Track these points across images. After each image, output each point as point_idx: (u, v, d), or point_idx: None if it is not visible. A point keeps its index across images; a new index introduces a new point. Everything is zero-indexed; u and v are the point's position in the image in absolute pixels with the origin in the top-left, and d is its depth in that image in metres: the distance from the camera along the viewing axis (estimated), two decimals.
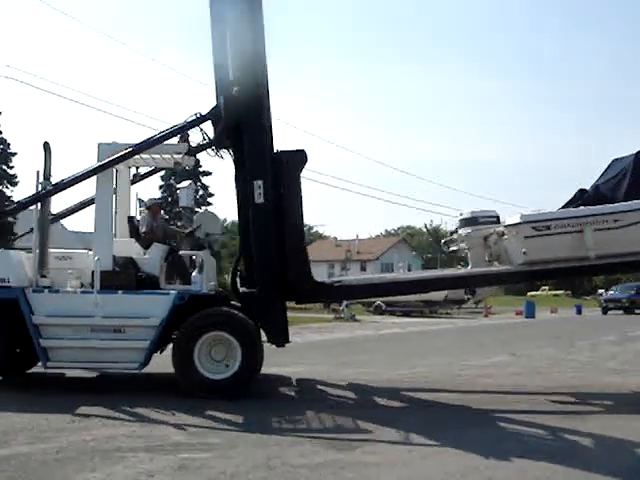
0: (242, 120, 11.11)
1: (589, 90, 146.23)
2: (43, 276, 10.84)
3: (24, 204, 11.12)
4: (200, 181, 64.50)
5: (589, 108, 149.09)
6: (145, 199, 12.57)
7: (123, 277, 10.90)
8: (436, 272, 13.55)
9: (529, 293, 68.45)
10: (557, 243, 11.22)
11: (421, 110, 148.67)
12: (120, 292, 10.66)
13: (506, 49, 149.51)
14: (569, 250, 11.22)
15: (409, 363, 15.18)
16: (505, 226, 11.92)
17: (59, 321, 10.56)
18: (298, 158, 11.44)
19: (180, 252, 11.87)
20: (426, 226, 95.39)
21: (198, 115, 11.20)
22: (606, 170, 12.61)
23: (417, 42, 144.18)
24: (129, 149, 11.10)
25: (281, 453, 7.54)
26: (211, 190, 67.51)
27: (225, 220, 63.72)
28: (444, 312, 45.93)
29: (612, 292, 48.86)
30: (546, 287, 79.53)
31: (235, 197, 12.18)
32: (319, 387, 12.21)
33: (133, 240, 11.93)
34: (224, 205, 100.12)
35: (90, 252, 11.72)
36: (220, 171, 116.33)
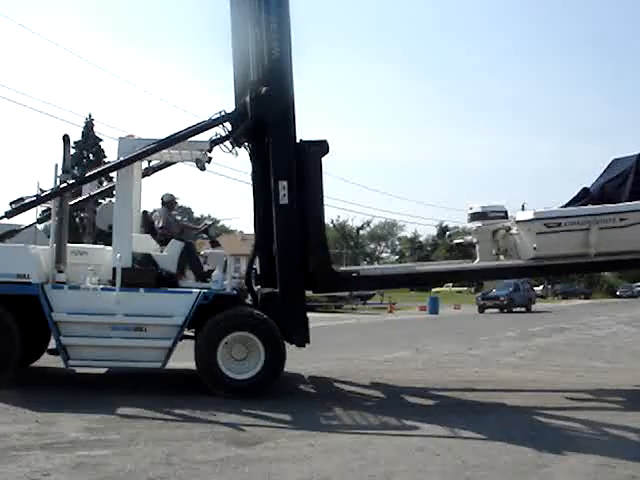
0: (269, 121, 11.05)
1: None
2: (60, 271, 10.65)
3: (44, 197, 10.88)
4: None
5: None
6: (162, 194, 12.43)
7: (144, 274, 10.77)
8: (451, 264, 13.71)
9: (433, 289, 68.83)
10: (565, 240, 11.51)
11: (341, 105, 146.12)
12: (142, 290, 10.55)
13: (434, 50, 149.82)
14: (576, 247, 11.54)
15: (313, 358, 14.87)
16: (516, 221, 12.15)
17: (79, 319, 10.38)
18: (320, 148, 11.43)
19: (204, 251, 11.76)
20: (332, 222, 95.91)
21: (223, 113, 11.10)
22: (606, 170, 12.91)
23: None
24: (153, 145, 10.96)
25: (181, 449, 7.49)
26: None
27: None
28: (349, 307, 46.36)
29: (494, 290, 47.52)
30: (450, 284, 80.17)
31: (252, 195, 12.18)
32: None
33: (147, 236, 11.78)
34: None
35: (107, 247, 11.59)
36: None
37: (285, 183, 10.93)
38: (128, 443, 7.67)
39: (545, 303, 62.26)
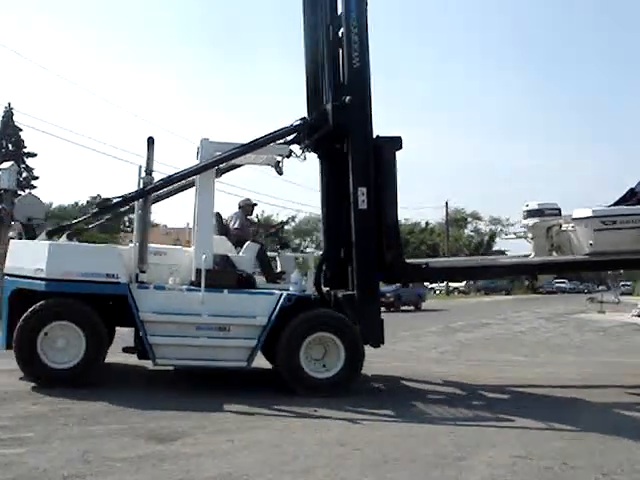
0: (351, 129, 11.36)
1: None
2: (142, 271, 10.85)
3: (128, 199, 11.08)
4: (24, 162, 63.44)
5: None
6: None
7: (226, 276, 11.01)
8: (511, 259, 14.20)
9: None
10: (621, 237, 12.06)
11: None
12: (225, 291, 10.79)
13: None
14: (631, 244, 12.06)
15: None
16: (573, 219, 12.65)
17: (166, 318, 10.56)
18: (395, 144, 11.75)
19: (287, 254, 12.02)
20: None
21: (305, 120, 11.42)
22: None
23: None
24: (236, 149, 11.22)
25: (99, 446, 7.33)
26: (36, 172, 66.46)
27: (50, 204, 62.02)
28: None
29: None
30: None
31: (321, 198, 12.51)
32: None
33: (222, 237, 11.99)
34: (49, 188, 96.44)
35: (184, 248, 11.80)
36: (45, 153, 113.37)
37: (364, 189, 11.22)
38: (43, 441, 7.48)
39: (455, 300, 61.84)
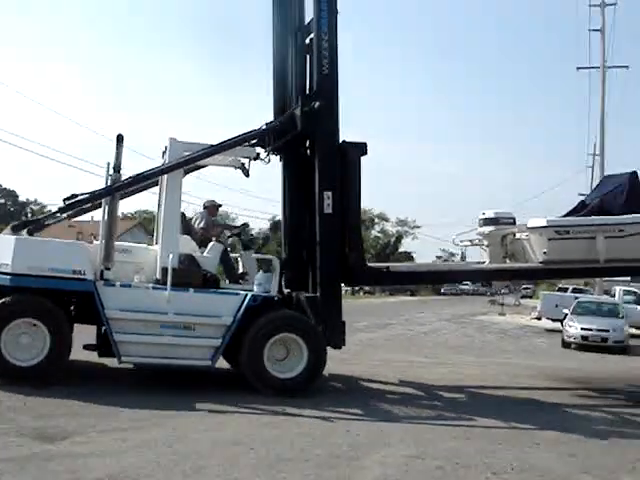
0: (319, 134, 11.62)
1: None
2: (108, 269, 10.85)
3: (96, 196, 11.06)
4: None
5: None
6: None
7: (191, 275, 11.08)
8: (470, 265, 14.57)
9: None
10: (573, 246, 12.52)
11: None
12: (191, 290, 10.88)
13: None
14: (583, 254, 12.53)
15: None
16: (528, 228, 13.08)
17: (131, 316, 10.59)
18: (360, 149, 12.01)
19: (250, 255, 12.12)
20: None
21: (273, 124, 11.62)
22: (599, 185, 14.12)
23: None
24: (205, 150, 11.33)
25: None
26: None
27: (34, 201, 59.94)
28: None
29: None
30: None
31: (282, 201, 12.71)
32: None
33: (187, 237, 12.04)
34: None
35: (149, 247, 11.84)
36: None
37: (330, 193, 11.48)
38: None
39: (360, 300, 59.88)
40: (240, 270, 12.29)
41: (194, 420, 9.01)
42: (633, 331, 26.71)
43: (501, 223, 13.56)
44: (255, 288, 11.27)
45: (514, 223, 13.63)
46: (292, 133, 11.73)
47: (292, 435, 8.49)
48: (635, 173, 13.33)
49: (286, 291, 11.89)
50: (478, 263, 14.06)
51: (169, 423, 8.68)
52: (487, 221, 13.68)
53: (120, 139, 10.99)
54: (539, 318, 33.87)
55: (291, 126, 11.71)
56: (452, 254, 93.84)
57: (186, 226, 12.23)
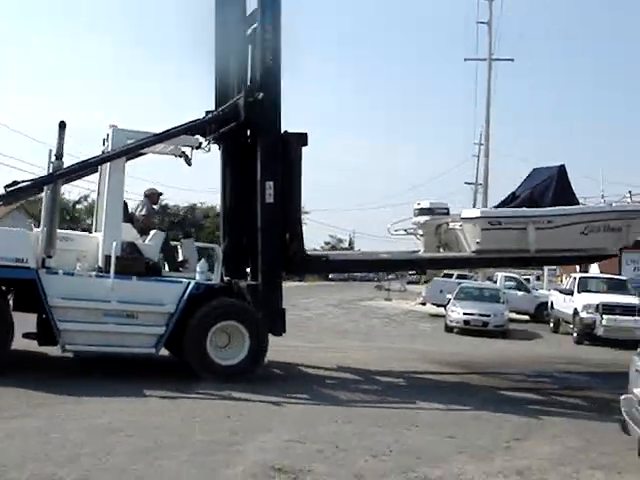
0: (262, 125, 11.77)
1: None
2: (49, 256, 10.81)
3: (38, 183, 10.99)
4: None
5: None
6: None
7: (134, 263, 11.14)
8: (406, 253, 14.90)
9: None
10: (505, 237, 13.06)
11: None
12: (134, 278, 10.95)
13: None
14: (514, 243, 13.08)
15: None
16: (462, 218, 13.55)
17: (74, 304, 10.62)
18: (301, 140, 12.21)
19: (196, 244, 12.22)
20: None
21: (220, 113, 11.73)
22: (528, 177, 14.68)
23: None
24: (148, 139, 11.37)
25: None
26: None
27: None
28: None
29: None
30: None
31: (221, 190, 12.87)
32: None
33: (128, 225, 12.05)
34: None
35: (90, 234, 11.83)
36: None
37: (271, 183, 11.66)
38: None
39: None
40: (180, 258, 12.41)
41: (74, 408, 8.84)
42: (513, 315, 27.64)
43: (436, 213, 13.99)
44: (197, 276, 11.39)
45: (448, 213, 14.08)
46: (235, 123, 11.85)
47: (175, 422, 8.50)
48: (563, 167, 13.96)
49: (226, 279, 12.10)
50: (413, 252, 14.47)
51: (41, 413, 8.49)
52: (422, 211, 14.10)
53: (62, 126, 10.92)
54: (424, 303, 34.24)
55: (234, 116, 11.84)
56: (340, 240, 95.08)
57: (127, 214, 12.27)
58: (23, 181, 11.02)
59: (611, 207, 13.91)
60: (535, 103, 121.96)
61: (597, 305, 21.73)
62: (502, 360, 17.12)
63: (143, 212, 12.24)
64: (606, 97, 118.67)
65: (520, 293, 30.98)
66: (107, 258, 10.86)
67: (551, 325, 26.51)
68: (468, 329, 23.75)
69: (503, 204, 14.14)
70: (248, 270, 12.57)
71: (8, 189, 10.98)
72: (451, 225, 13.81)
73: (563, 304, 24.31)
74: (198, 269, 11.47)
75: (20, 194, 11.18)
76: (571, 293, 23.64)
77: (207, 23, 12.68)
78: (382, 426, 9.00)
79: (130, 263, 11.07)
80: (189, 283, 11.08)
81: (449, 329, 24.41)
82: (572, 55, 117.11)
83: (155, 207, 12.95)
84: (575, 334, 22.64)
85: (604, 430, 9.41)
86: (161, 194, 13.16)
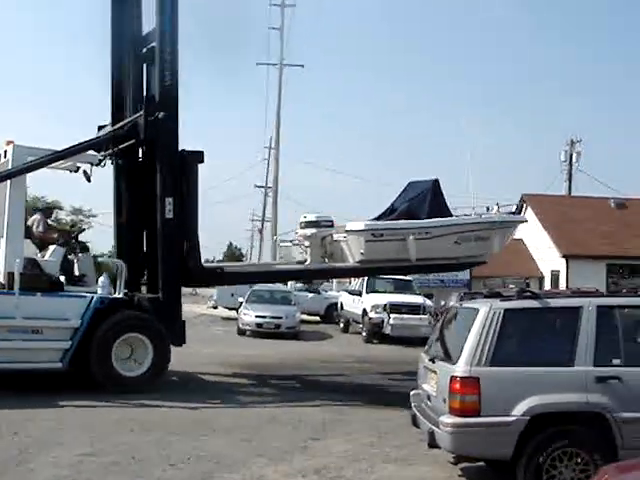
0: (161, 142, 12.17)
1: None
2: None
3: None
4: None
5: None
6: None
7: (38, 279, 11.28)
8: (297, 265, 15.44)
9: None
10: (387, 247, 13.96)
11: None
12: (39, 294, 11.10)
13: None
14: (395, 253, 14.05)
15: None
16: (346, 230, 14.35)
17: None
18: (198, 157, 12.73)
19: (101, 259, 12.41)
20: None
21: (120, 130, 12.05)
22: (405, 190, 15.70)
23: None
24: (49, 156, 11.53)
25: None
26: None
27: None
28: None
29: None
30: None
31: (115, 205, 13.20)
32: None
33: (27, 241, 12.09)
34: None
35: None
36: None
37: (171, 199, 12.10)
38: None
39: None
40: (76, 273, 12.58)
41: None
42: (304, 317, 28.12)
43: (321, 226, 14.70)
44: (99, 290, 11.69)
45: (332, 226, 14.85)
46: (134, 141, 12.20)
47: None
48: (437, 181, 15.05)
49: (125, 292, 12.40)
50: (299, 263, 15.17)
51: None
52: (308, 224, 14.76)
53: None
54: (215, 307, 33.83)
55: (134, 134, 12.18)
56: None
57: (25, 230, 12.33)
58: None
59: (480, 218, 15.08)
60: (328, 108, 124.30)
61: (384, 305, 22.90)
62: (296, 361, 17.31)
63: (40, 228, 12.32)
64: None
65: (310, 295, 31.26)
66: (10, 275, 10.97)
67: (341, 325, 27.31)
68: (261, 332, 23.79)
69: (382, 216, 15.02)
70: (143, 283, 12.99)
71: None
72: (335, 237, 14.56)
73: (352, 305, 25.16)
74: (100, 284, 11.77)
75: None
76: (360, 294, 24.54)
77: (101, 39, 12.96)
78: (179, 433, 8.96)
79: (33, 279, 11.22)
80: (92, 297, 11.37)
81: (242, 332, 24.47)
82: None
83: (50, 222, 13.01)
84: (364, 333, 23.58)
85: (395, 425, 9.68)
86: (54, 208, 13.26)
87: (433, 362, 7.50)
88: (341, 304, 27.59)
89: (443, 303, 21.19)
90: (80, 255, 12.77)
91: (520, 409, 6.58)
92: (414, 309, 23.13)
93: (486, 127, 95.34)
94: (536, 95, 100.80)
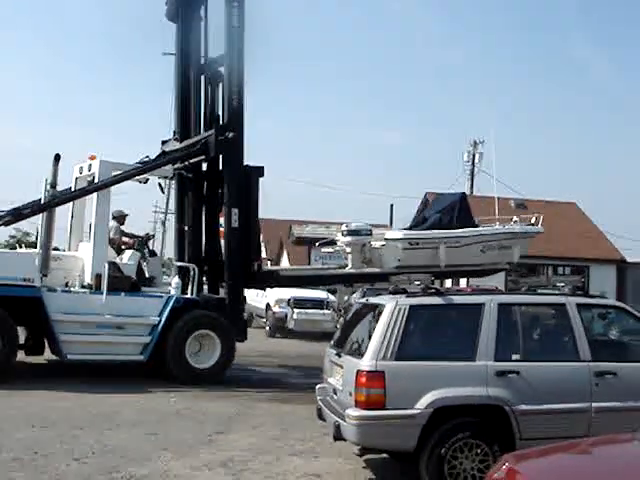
0: (228, 159, 13.54)
1: None
2: (44, 275, 12.14)
3: (37, 210, 12.25)
4: None
5: None
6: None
7: (121, 280, 12.63)
8: (343, 270, 16.66)
9: None
10: (421, 254, 15.28)
11: None
12: (123, 294, 12.45)
13: None
14: (427, 260, 15.34)
15: None
16: (386, 239, 15.67)
17: (72, 318, 12.02)
18: (259, 172, 14.02)
19: (177, 263, 13.75)
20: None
21: (194, 148, 13.43)
22: (434, 202, 17.07)
23: None
24: (132, 170, 12.90)
25: None
26: None
27: None
28: None
29: None
30: None
31: (177, 215, 14.68)
32: None
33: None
34: None
35: (76, 254, 13.17)
36: None
37: (237, 210, 13.45)
38: None
39: None
40: (146, 275, 13.91)
41: None
42: None
43: (362, 234, 16.03)
44: (172, 291, 13.02)
45: (371, 234, 16.17)
46: (205, 157, 13.58)
47: None
48: (464, 194, 16.48)
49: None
50: (340, 267, 16.50)
51: None
52: (350, 232, 16.12)
53: (57, 158, 12.29)
54: None
55: (205, 151, 13.52)
56: (27, 233, 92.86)
57: None
58: (24, 206, 12.26)
59: (504, 229, 16.46)
60: None
61: (288, 300, 23.65)
62: None
63: (116, 235, 13.65)
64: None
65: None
66: (98, 276, 12.31)
67: None
68: None
69: (415, 226, 16.36)
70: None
71: (12, 214, 12.21)
72: (374, 244, 15.89)
73: (256, 299, 25.11)
74: (173, 285, 13.11)
75: (19, 217, 12.37)
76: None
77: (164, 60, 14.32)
78: (83, 428, 8.92)
79: (118, 281, 12.55)
80: (169, 297, 12.71)
81: None
82: None
83: (123, 228, 14.35)
84: (268, 328, 24.25)
85: (301, 418, 9.86)
86: (127, 215, 14.58)
87: (339, 356, 7.64)
88: (244, 298, 27.79)
89: (346, 298, 22.65)
90: (150, 259, 14.13)
91: (424, 402, 6.76)
92: (317, 304, 23.89)
93: (390, 124, 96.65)
94: (441, 94, 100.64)
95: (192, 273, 13.32)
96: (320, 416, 7.84)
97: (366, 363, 6.83)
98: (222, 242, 14.13)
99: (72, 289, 12.31)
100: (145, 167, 13.09)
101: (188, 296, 13.02)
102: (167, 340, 12.60)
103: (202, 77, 14.50)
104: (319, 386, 8.19)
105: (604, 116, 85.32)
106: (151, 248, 14.40)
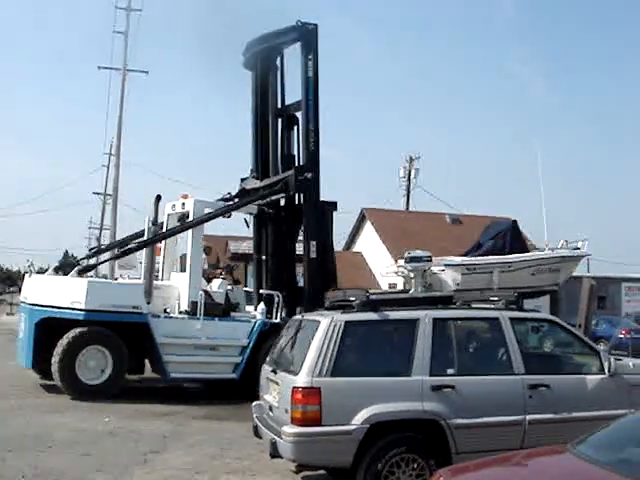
0: (306, 197, 15.01)
1: None
2: (148, 303, 13.67)
3: (142, 246, 13.84)
4: None
5: None
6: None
7: (215, 307, 14.11)
8: (414, 293, 18.00)
9: None
10: (478, 279, 16.53)
11: None
12: (216, 319, 13.92)
13: None
14: (483, 283, 16.62)
15: None
16: (445, 265, 16.97)
17: (174, 341, 13.51)
18: (333, 207, 15.54)
19: (262, 291, 15.24)
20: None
21: (276, 188, 14.93)
22: (487, 228, 18.38)
23: None
24: (224, 208, 14.43)
25: None
26: None
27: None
28: None
29: None
30: None
31: (256, 245, 16.09)
32: None
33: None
34: None
35: (173, 284, 14.71)
36: None
37: (314, 242, 14.89)
38: None
39: None
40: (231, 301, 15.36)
41: None
42: None
43: (423, 261, 17.39)
44: (258, 315, 14.45)
45: (431, 260, 17.52)
46: (284, 195, 15.08)
47: None
48: (515, 222, 17.82)
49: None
50: (402, 291, 17.88)
51: None
52: (412, 259, 17.49)
53: (158, 199, 13.89)
54: None
55: (285, 190, 14.99)
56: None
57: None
58: (133, 244, 13.86)
59: (553, 253, 17.70)
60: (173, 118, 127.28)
61: None
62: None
63: (205, 265, 15.17)
64: None
65: None
66: (194, 303, 13.79)
67: None
68: None
69: (470, 251, 17.71)
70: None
71: (121, 250, 13.81)
72: (434, 270, 17.22)
73: None
74: (259, 310, 14.52)
75: (127, 252, 13.98)
76: None
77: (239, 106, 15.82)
78: (13, 450, 8.70)
79: (212, 307, 14.03)
80: (256, 321, 14.15)
81: None
82: None
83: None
84: None
85: (237, 436, 9.86)
86: (211, 247, 16.10)
87: (275, 373, 7.66)
88: None
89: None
90: (234, 287, 15.59)
91: (360, 418, 6.83)
92: None
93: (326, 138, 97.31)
94: (378, 114, 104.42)
95: (277, 299, 14.71)
96: (256, 434, 7.90)
97: (302, 379, 6.91)
98: (298, 270, 15.59)
99: (172, 315, 13.81)
100: (235, 206, 14.62)
101: (273, 320, 14.45)
102: (257, 360, 13.99)
103: (279, 120, 16.03)
104: (255, 403, 8.31)
105: (540, 130, 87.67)
106: (235, 278, 15.87)
